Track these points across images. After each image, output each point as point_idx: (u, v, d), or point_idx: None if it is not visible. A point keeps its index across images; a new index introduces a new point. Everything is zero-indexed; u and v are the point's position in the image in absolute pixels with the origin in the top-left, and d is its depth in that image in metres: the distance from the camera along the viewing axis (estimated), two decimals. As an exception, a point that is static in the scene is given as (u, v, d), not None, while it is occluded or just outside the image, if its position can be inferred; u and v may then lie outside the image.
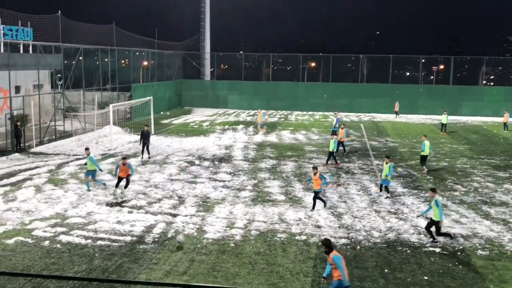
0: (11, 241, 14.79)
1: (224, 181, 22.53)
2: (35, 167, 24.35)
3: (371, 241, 15.54)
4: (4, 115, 30.25)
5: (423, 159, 25.13)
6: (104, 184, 20.69)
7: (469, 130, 41.21)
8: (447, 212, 18.10)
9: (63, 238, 15.16)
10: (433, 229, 15.40)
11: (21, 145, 28.58)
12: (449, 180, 23.48)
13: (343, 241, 15.50)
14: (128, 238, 15.27)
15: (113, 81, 41.97)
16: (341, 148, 29.09)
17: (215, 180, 22.69)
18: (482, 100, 52.53)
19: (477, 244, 15.38)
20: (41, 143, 30.40)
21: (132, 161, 24.63)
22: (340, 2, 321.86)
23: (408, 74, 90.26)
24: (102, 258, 13.81)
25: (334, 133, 29.89)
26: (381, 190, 20.83)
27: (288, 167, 25.64)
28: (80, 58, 37.27)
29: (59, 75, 36.33)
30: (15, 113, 29.20)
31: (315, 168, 18.74)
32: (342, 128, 29.96)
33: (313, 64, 72.58)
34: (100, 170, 21.05)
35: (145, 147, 27.00)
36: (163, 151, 29.29)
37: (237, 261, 13.80)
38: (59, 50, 35.65)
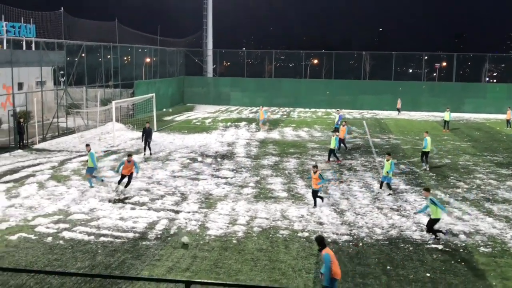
0: (14, 237, 14.85)
1: (227, 178, 22.55)
2: (38, 164, 24.42)
3: (373, 238, 15.53)
4: (7, 111, 30.30)
5: (424, 155, 25.06)
6: (102, 180, 20.71)
7: (472, 127, 41.12)
8: (450, 209, 18.06)
9: (66, 234, 15.21)
10: (436, 226, 15.41)
11: (24, 141, 28.68)
12: (451, 177, 23.45)
13: (346, 238, 15.50)
14: (130, 235, 15.31)
15: (116, 78, 41.97)
16: (342, 146, 29.03)
17: (218, 177, 22.71)
18: (485, 97, 52.36)
19: (480, 241, 15.36)
20: (44, 139, 30.49)
21: (135, 158, 24.64)
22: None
23: (410, 71, 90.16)
24: (105, 254, 13.85)
25: (336, 130, 29.85)
26: (381, 187, 20.80)
27: (290, 164, 25.64)
28: (83, 55, 37.28)
29: (62, 72, 36.41)
30: (18, 109, 29.31)
31: (315, 166, 18.54)
32: (343, 126, 29.89)
33: (315, 61, 72.48)
34: (96, 168, 20.72)
35: (147, 144, 27.08)
36: (166, 148, 29.33)
37: (239, 258, 13.82)
38: (62, 47, 35.68)
